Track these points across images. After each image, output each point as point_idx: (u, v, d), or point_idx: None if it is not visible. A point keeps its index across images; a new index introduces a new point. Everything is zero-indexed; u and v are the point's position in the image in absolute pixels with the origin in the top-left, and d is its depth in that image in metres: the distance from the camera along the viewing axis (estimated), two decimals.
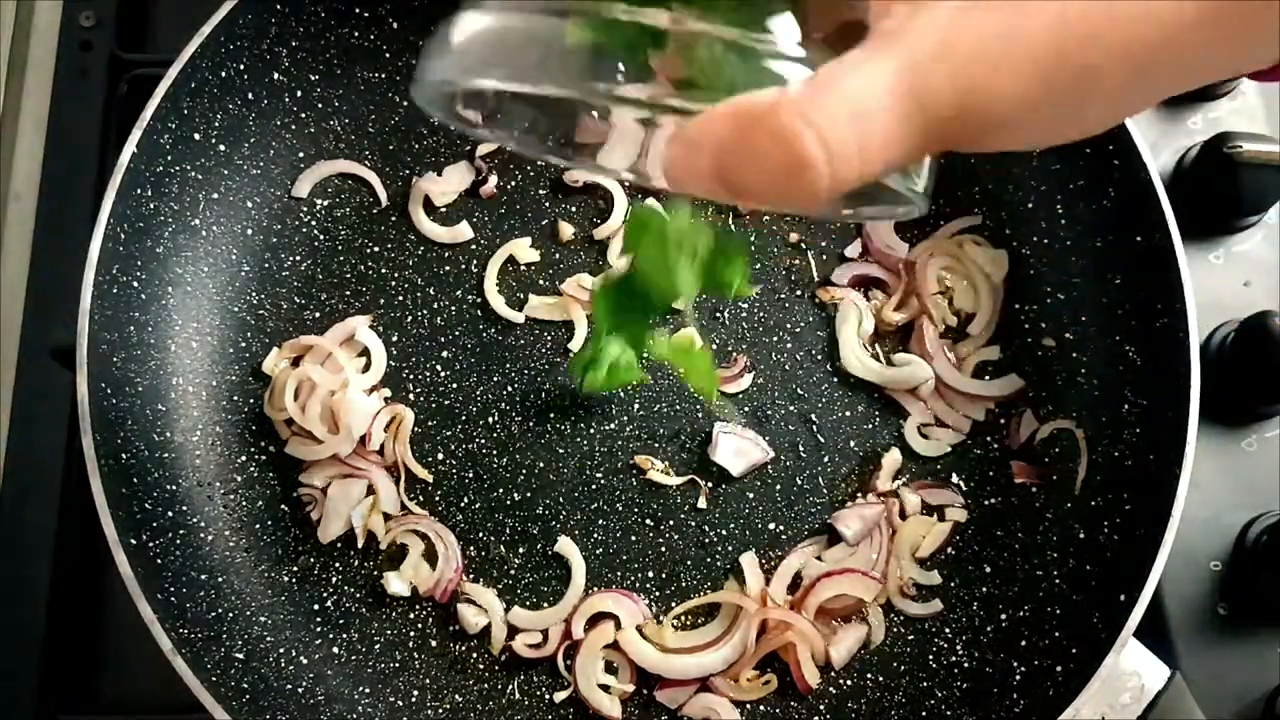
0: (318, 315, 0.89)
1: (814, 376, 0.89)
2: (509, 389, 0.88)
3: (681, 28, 0.40)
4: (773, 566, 0.85)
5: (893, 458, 0.87)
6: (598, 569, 0.85)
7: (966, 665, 0.82)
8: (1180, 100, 0.95)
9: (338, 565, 0.85)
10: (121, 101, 0.96)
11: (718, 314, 0.90)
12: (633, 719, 0.82)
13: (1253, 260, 0.92)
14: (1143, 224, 0.80)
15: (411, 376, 0.88)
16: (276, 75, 0.88)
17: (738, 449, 0.86)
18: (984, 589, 0.85)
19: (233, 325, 0.88)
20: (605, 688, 0.82)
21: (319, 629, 0.83)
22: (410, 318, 0.89)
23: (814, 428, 0.88)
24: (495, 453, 0.87)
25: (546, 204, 0.91)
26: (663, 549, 0.85)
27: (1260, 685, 0.82)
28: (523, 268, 0.91)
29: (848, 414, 0.88)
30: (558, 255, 0.91)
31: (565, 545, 0.85)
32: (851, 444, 0.88)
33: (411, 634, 0.84)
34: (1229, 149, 0.87)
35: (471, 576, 0.85)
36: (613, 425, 0.88)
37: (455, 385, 0.88)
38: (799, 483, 0.87)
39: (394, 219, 0.92)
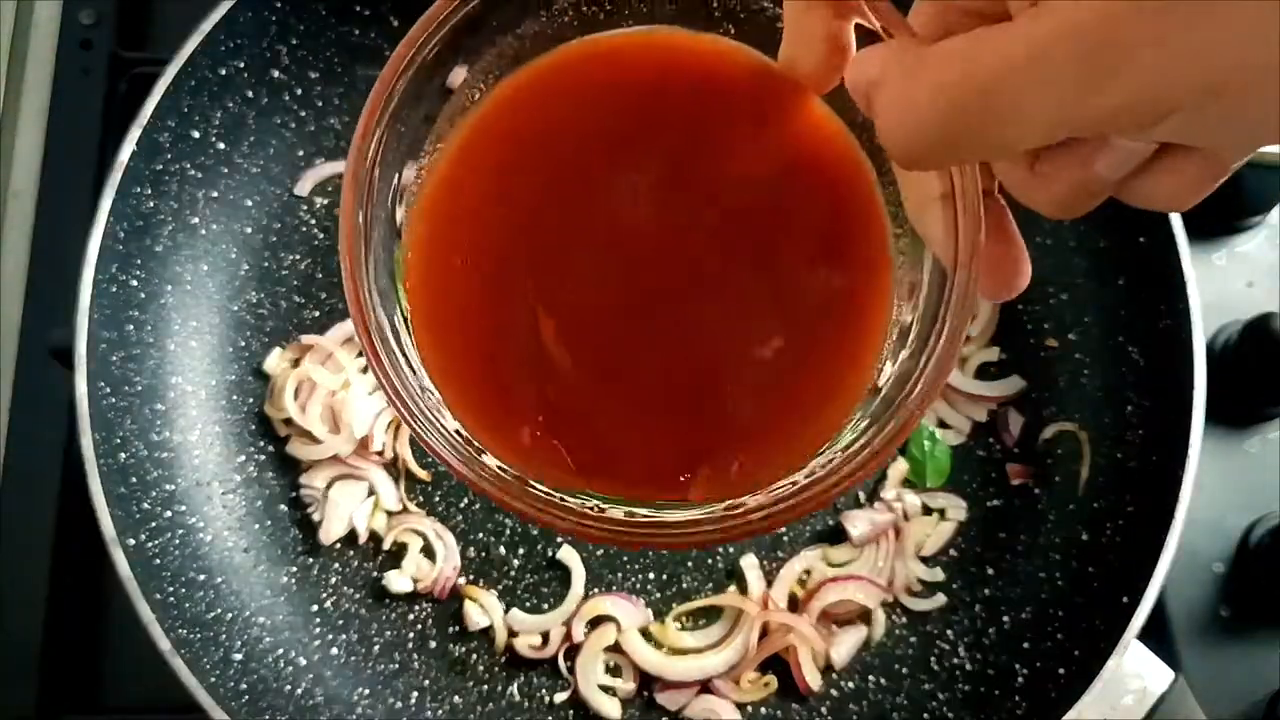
0: (318, 314, 0.89)
1: None
2: None
3: None
4: (774, 568, 0.84)
5: (899, 467, 0.86)
6: (598, 570, 0.85)
7: (968, 667, 0.82)
8: None
9: (337, 566, 0.85)
10: (121, 99, 0.96)
11: None
12: None
13: (1256, 261, 0.92)
14: (1145, 224, 0.80)
15: None
16: (276, 73, 0.87)
17: None
18: (986, 590, 0.84)
19: (232, 324, 0.88)
20: (606, 689, 0.82)
21: (318, 630, 0.83)
22: None
23: None
24: None
25: None
26: (663, 550, 0.85)
27: (1263, 688, 0.82)
28: None
29: None
30: None
31: (566, 553, 0.84)
32: None
33: (411, 635, 0.84)
34: None
35: (471, 578, 0.85)
36: None
37: None
38: None
39: None
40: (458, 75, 0.43)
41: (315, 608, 0.84)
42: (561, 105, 0.43)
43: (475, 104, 0.44)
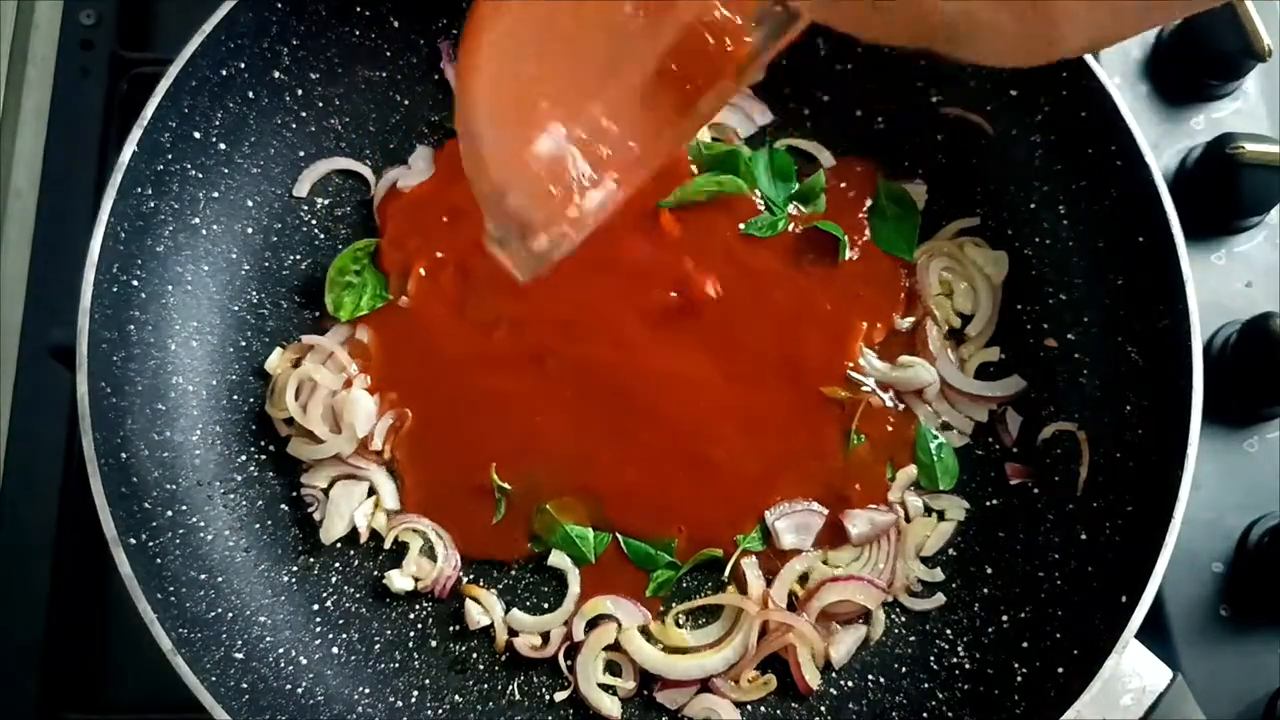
0: (318, 314, 0.89)
1: None
2: None
3: None
4: (774, 568, 0.85)
5: (908, 472, 0.86)
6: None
7: (968, 666, 0.82)
8: (1183, 101, 0.95)
9: (338, 565, 0.85)
10: (122, 100, 0.96)
11: None
12: (633, 719, 0.82)
13: (1254, 261, 0.92)
14: (1145, 224, 0.80)
15: None
16: (277, 74, 0.87)
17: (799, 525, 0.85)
18: (985, 590, 0.85)
19: (233, 324, 0.88)
20: (605, 687, 0.82)
21: (319, 629, 0.83)
22: None
23: None
24: None
25: None
26: None
27: (1261, 686, 0.82)
28: None
29: None
30: None
31: (557, 559, 0.84)
32: None
33: (411, 634, 0.84)
34: (1231, 150, 0.86)
35: (471, 577, 0.85)
36: None
37: None
38: None
39: None
40: None
41: (316, 607, 0.84)
42: None
43: None
